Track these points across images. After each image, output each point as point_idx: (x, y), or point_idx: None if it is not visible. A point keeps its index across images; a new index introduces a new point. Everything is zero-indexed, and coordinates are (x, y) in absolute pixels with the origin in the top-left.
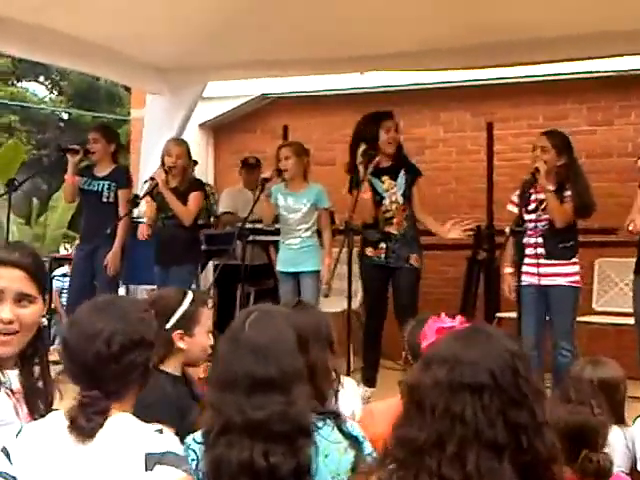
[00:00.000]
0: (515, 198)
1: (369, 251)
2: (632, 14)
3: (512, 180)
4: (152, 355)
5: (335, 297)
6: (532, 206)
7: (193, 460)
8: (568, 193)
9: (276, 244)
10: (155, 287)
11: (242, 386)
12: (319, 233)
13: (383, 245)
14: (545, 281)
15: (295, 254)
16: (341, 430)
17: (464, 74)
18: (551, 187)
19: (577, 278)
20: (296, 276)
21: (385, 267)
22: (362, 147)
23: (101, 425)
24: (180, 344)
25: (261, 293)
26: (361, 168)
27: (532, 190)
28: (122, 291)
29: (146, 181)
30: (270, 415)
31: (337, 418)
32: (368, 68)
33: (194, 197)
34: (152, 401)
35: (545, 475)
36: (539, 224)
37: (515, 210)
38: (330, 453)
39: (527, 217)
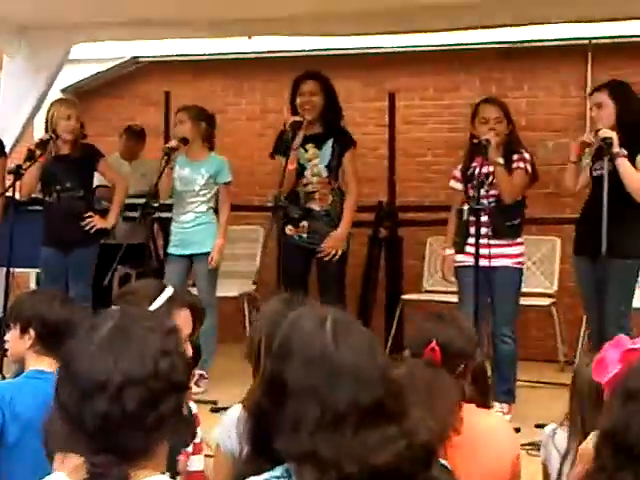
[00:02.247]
0: (457, 173)
1: (289, 229)
2: None
3: (404, 154)
4: (186, 396)
5: (230, 280)
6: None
7: None
8: (517, 164)
9: (161, 221)
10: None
11: (350, 422)
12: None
13: (305, 223)
14: (488, 262)
15: (188, 234)
16: None
17: (354, 41)
18: (501, 160)
19: (522, 259)
20: (188, 258)
21: (307, 248)
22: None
23: None
24: None
25: (143, 275)
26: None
27: (475, 164)
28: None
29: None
30: (396, 453)
31: None
32: (256, 32)
33: (107, 166)
34: None
35: None
36: (486, 200)
37: (458, 186)
38: None
39: (472, 194)
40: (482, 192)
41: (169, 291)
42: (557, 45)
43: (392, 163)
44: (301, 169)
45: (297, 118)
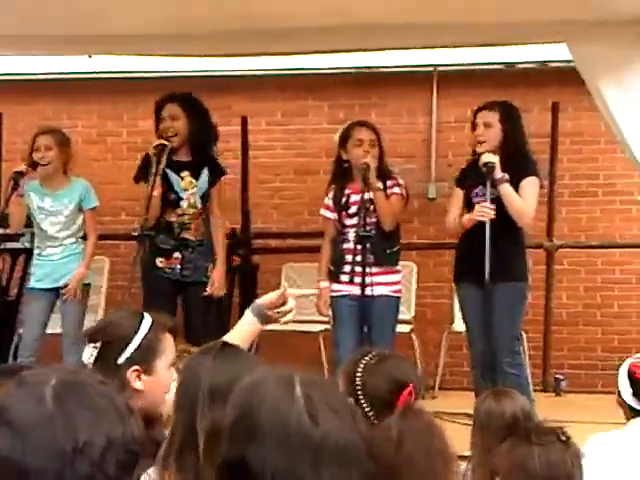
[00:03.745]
0: (329, 202)
1: (160, 261)
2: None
3: (252, 179)
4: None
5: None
6: (353, 209)
7: None
8: (393, 190)
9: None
10: None
11: None
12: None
13: (178, 254)
14: (368, 291)
15: (56, 266)
16: None
17: (199, 64)
18: (381, 185)
19: (400, 287)
20: (54, 292)
21: (178, 281)
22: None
23: None
24: (137, 384)
25: None
26: (154, 163)
27: (348, 191)
28: None
29: None
30: None
31: None
32: (97, 51)
33: None
34: None
35: None
36: (358, 228)
37: (330, 215)
38: None
39: (349, 222)
40: (357, 220)
41: (148, 319)
42: (404, 72)
43: (245, 189)
44: (177, 199)
45: (160, 141)
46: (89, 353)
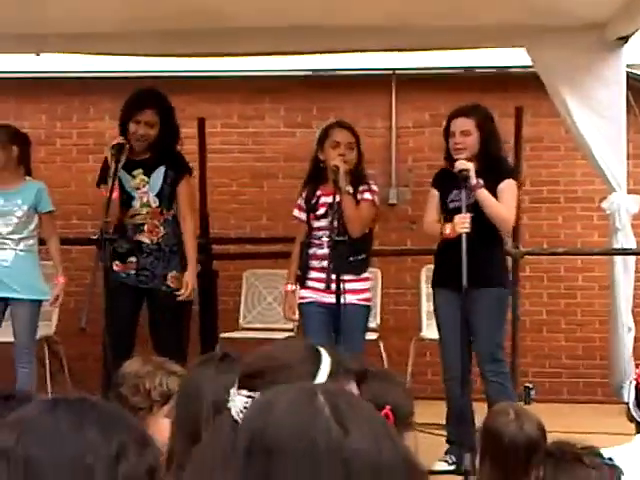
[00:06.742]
0: (301, 202)
1: (116, 265)
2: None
3: (208, 183)
4: None
5: None
6: (321, 211)
7: None
8: (363, 195)
9: None
10: None
11: None
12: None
13: (133, 259)
14: (334, 298)
15: (6, 273)
16: None
17: (153, 63)
18: (350, 189)
19: (368, 295)
20: (4, 302)
21: (138, 287)
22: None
23: None
24: None
25: None
26: (113, 163)
27: (319, 192)
28: None
29: None
30: None
31: None
32: (47, 49)
33: None
34: None
35: None
36: (332, 233)
37: (303, 216)
38: None
39: (316, 224)
40: (325, 222)
41: (327, 360)
42: (362, 75)
43: (203, 193)
44: (128, 198)
45: (119, 140)
46: (241, 404)
